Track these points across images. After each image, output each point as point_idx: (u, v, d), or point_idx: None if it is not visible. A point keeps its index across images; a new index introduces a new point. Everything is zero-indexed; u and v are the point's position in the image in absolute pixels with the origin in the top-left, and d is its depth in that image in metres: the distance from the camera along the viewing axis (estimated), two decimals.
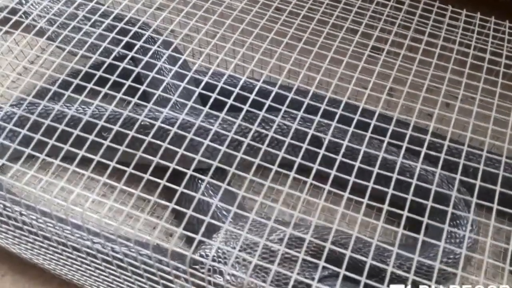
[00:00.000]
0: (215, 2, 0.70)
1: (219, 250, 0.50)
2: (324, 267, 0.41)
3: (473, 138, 0.56)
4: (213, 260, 0.50)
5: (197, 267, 0.46)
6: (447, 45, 0.64)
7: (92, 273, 0.57)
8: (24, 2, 0.69)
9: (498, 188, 0.50)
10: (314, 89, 0.57)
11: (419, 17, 0.67)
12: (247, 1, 0.68)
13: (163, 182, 0.47)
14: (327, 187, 0.48)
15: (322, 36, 0.62)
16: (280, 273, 0.49)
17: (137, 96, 0.53)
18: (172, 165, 0.48)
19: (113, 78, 0.55)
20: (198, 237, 0.42)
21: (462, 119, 0.56)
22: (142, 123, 0.56)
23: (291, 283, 0.41)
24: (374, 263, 0.42)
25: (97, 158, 0.49)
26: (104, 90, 0.54)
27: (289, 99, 0.55)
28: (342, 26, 0.65)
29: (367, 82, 0.58)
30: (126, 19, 0.63)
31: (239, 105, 0.54)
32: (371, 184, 0.47)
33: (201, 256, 0.49)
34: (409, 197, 0.47)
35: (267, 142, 0.51)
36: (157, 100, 0.55)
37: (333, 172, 0.48)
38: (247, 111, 0.54)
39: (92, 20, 0.62)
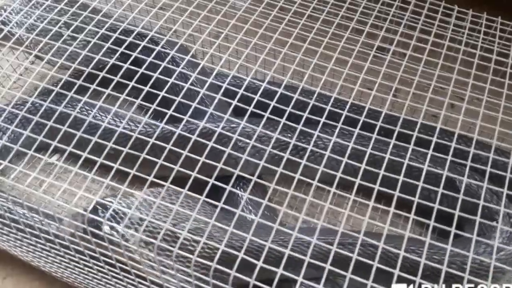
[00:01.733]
0: (219, 2, 0.69)
1: (116, 211, 0.50)
2: None
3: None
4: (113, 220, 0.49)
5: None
6: (453, 46, 0.64)
7: (95, 275, 0.57)
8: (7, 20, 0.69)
9: None
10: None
11: (425, 17, 0.66)
12: (251, 0, 0.68)
13: (167, 184, 0.47)
14: (333, 190, 0.48)
15: (327, 36, 0.62)
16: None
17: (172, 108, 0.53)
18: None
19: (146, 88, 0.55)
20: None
21: (468, 120, 0.56)
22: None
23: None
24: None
25: (100, 160, 0.48)
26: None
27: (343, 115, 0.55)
28: (347, 26, 0.64)
29: (372, 83, 0.58)
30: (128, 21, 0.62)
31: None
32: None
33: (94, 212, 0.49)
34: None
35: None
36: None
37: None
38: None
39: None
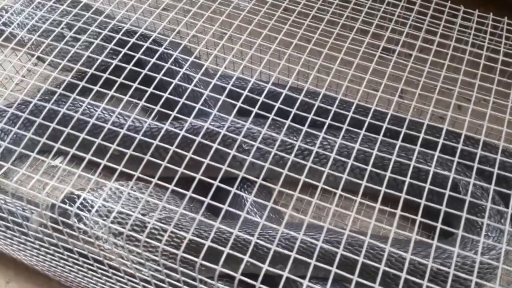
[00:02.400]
0: (222, 3, 0.69)
1: (86, 201, 0.50)
2: None
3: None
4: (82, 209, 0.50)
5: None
6: (459, 46, 0.63)
7: (99, 280, 0.56)
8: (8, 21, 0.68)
9: None
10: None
11: (430, 18, 0.66)
12: (255, 1, 0.67)
13: (171, 186, 0.46)
14: (339, 192, 0.47)
15: (332, 37, 0.61)
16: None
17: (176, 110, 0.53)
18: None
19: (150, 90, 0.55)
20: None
21: (475, 121, 0.55)
22: None
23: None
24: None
25: (104, 162, 0.48)
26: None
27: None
28: (352, 27, 0.64)
29: (378, 84, 0.57)
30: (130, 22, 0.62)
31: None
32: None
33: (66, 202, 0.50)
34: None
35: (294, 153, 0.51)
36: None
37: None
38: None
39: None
